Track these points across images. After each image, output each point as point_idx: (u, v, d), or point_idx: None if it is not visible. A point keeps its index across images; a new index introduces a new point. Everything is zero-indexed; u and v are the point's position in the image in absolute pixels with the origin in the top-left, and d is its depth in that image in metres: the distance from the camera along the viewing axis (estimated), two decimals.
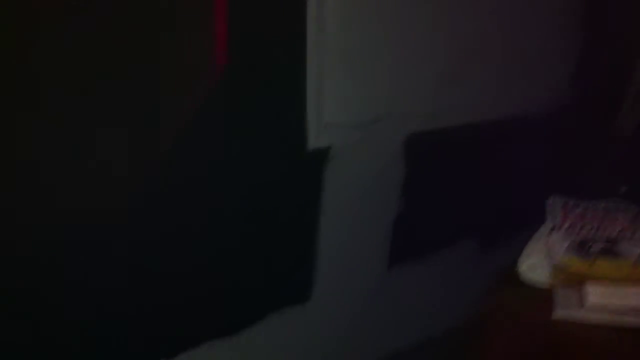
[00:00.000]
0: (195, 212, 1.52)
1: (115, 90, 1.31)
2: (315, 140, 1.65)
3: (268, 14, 1.49)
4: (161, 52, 1.35)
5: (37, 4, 1.19)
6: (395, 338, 2.06)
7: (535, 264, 1.51)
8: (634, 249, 1.48)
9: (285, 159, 1.62)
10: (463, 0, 1.82)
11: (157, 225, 1.46)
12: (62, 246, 1.35)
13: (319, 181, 1.71)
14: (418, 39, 1.76)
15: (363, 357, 1.99)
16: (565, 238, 1.53)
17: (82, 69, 1.26)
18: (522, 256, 1.53)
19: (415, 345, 2.07)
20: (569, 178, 1.98)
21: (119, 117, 1.34)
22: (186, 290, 1.57)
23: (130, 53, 1.31)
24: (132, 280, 1.47)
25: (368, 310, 1.96)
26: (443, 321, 2.13)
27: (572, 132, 2.19)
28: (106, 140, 1.33)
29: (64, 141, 1.29)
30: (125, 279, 1.46)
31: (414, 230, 1.98)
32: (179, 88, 1.40)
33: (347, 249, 1.86)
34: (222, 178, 1.53)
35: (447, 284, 2.13)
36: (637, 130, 2.11)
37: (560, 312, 1.38)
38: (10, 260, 1.29)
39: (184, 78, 1.40)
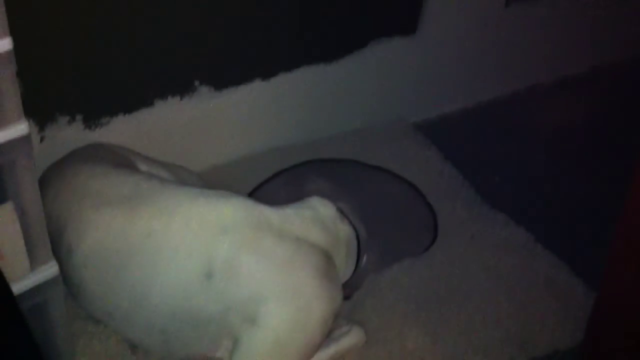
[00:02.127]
0: None
1: None
2: None
3: None
4: None
5: None
6: (502, 85, 1.93)
7: None
8: None
9: None
10: None
11: None
12: None
13: None
14: None
15: (466, 98, 1.88)
16: None
17: None
18: None
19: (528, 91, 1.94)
20: None
21: None
22: (285, 11, 1.48)
23: None
24: None
25: (480, 48, 1.81)
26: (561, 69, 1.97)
27: None
28: None
29: None
30: None
31: None
32: None
33: None
34: None
35: (571, 29, 1.92)
36: None
37: None
38: None
39: None
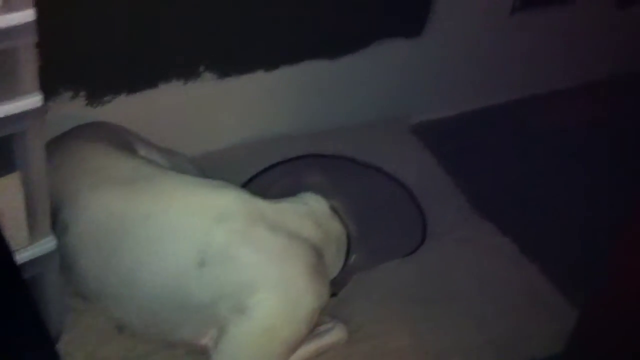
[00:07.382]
0: None
1: None
2: None
3: None
4: None
5: None
6: (501, 92, 1.95)
7: None
8: None
9: None
10: None
11: None
12: None
13: None
14: None
15: (466, 103, 1.90)
16: None
17: None
18: None
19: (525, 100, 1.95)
20: None
21: None
22: (292, 7, 1.49)
23: None
24: None
25: (482, 55, 1.82)
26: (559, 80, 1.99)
27: None
28: None
29: None
30: None
31: None
32: None
33: None
34: None
35: (575, 39, 1.94)
36: None
37: None
38: None
39: None
